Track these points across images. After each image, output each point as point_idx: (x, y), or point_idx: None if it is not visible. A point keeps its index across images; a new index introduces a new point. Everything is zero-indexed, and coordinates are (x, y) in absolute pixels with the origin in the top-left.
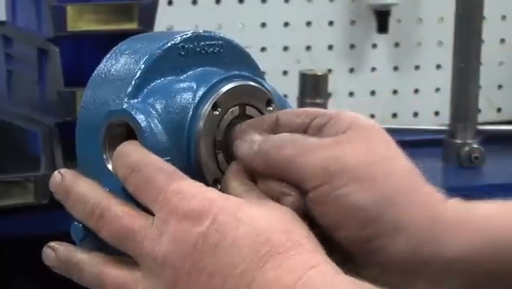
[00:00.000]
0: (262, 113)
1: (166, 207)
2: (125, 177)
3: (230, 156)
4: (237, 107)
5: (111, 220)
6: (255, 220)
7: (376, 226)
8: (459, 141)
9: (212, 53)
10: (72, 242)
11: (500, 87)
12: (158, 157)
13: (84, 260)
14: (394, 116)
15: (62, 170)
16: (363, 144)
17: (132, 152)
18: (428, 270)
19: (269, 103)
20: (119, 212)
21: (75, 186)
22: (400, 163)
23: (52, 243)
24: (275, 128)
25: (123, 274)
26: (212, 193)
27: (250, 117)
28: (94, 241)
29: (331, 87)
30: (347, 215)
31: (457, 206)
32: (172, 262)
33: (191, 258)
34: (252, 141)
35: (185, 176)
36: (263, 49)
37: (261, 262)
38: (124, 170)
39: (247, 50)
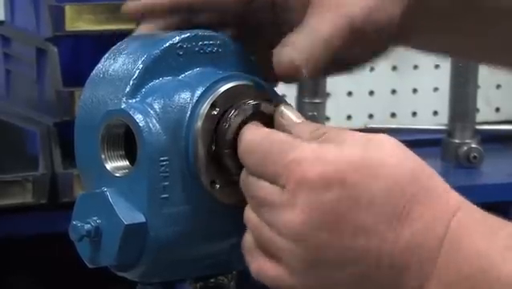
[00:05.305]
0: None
1: (292, 180)
2: (243, 162)
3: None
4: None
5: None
6: (380, 171)
7: None
8: (457, 141)
9: (211, 53)
10: (71, 242)
11: (498, 86)
12: (264, 131)
13: None
14: (393, 115)
15: None
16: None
17: (245, 135)
18: None
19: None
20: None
21: None
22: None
23: None
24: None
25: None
26: (327, 151)
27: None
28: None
29: (329, 87)
30: None
31: None
32: (308, 231)
33: (328, 223)
34: None
35: (294, 141)
36: None
37: (402, 216)
38: (241, 155)
39: None
